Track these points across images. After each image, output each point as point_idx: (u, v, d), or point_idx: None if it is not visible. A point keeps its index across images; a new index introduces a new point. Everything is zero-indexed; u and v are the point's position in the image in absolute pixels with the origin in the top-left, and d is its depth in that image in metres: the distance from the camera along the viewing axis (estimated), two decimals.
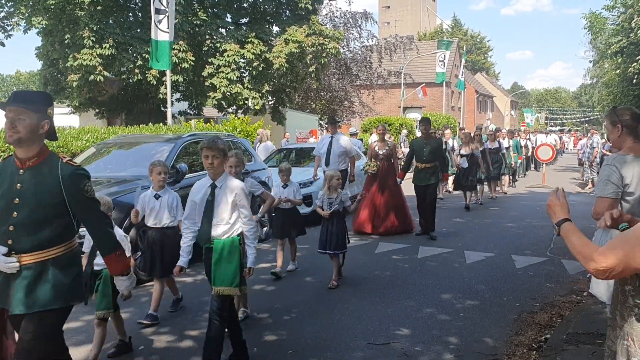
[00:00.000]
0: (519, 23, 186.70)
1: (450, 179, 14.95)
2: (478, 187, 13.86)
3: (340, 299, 6.14)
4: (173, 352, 4.71)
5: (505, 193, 16.47)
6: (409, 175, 10.68)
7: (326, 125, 29.43)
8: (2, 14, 20.37)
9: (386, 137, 10.76)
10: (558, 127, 67.83)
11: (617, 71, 25.34)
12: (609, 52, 24.29)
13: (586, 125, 75.82)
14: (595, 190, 3.72)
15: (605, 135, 21.19)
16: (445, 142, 14.98)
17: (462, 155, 13.22)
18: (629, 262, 1.97)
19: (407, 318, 5.52)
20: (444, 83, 39.30)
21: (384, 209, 9.89)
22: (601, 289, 3.42)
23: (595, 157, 17.58)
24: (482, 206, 13.69)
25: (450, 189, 15.86)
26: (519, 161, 19.79)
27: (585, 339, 4.73)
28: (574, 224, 2.26)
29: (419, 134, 15.48)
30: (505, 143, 16.89)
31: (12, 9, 20.05)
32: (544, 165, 20.14)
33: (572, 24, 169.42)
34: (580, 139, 33.91)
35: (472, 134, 14.34)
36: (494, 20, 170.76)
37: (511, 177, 18.67)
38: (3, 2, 19.83)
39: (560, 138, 39.99)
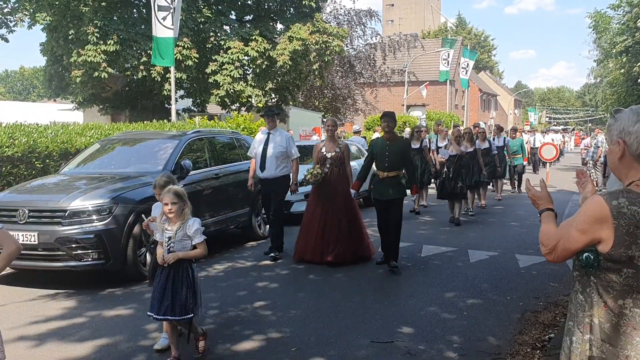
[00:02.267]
0: (523, 22, 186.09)
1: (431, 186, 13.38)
2: (469, 193, 11.90)
3: (344, 297, 6.15)
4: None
5: (499, 199, 14.69)
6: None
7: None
8: (6, 9, 20.38)
9: (338, 133, 8.90)
10: (561, 127, 67.76)
11: (622, 70, 25.31)
12: (614, 51, 24.26)
13: (589, 124, 75.63)
14: (607, 186, 3.73)
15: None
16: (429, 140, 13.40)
17: (450, 156, 11.28)
18: (565, 244, 2.14)
19: (410, 316, 5.52)
20: (448, 81, 39.20)
21: (333, 231, 7.62)
22: None
23: (600, 157, 17.53)
24: (484, 207, 13.34)
25: (425, 204, 13.24)
26: (524, 162, 17.66)
27: None
28: (552, 213, 2.38)
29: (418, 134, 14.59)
30: (498, 142, 14.80)
31: (16, 5, 20.07)
32: (548, 164, 20.10)
33: (575, 23, 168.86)
34: (584, 138, 33.83)
35: (461, 132, 12.28)
36: (497, 19, 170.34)
37: (515, 181, 16.96)
38: None
39: (563, 137, 39.84)
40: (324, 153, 7.80)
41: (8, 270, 7.28)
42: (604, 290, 2.11)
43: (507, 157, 15.44)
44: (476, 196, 12.82)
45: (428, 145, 12.86)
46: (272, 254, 7.95)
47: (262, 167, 8.09)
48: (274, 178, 8.06)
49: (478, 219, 11.55)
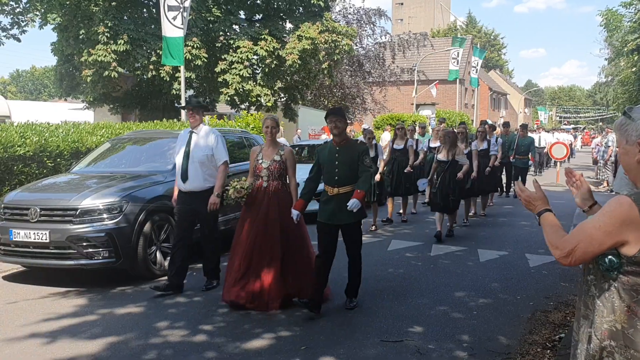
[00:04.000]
0: (533, 21, 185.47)
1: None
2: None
3: None
4: (187, 346, 4.74)
5: (491, 204, 12.93)
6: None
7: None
8: (18, 10, 20.52)
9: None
10: (572, 126, 67.34)
11: (634, 69, 25.13)
12: (625, 49, 24.09)
13: (600, 123, 75.16)
14: (615, 187, 3.71)
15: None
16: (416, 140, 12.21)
17: (439, 162, 9.34)
18: (586, 247, 2.06)
19: (420, 316, 5.51)
20: (457, 80, 39.10)
21: (261, 267, 5.71)
22: None
23: (610, 156, 17.43)
24: (491, 207, 12.93)
25: (414, 210, 12.06)
26: (531, 162, 16.36)
27: None
28: (552, 214, 2.32)
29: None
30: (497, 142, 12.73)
31: (27, 5, 20.20)
32: (559, 163, 20.00)
33: (586, 22, 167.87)
34: (594, 138, 33.61)
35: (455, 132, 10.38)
36: (507, 17, 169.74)
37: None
38: None
39: (575, 136, 39.56)
40: (260, 162, 5.95)
41: (20, 268, 7.36)
42: (626, 294, 2.04)
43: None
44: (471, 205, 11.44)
45: (414, 145, 11.48)
46: (207, 285, 6.42)
47: (184, 176, 6.27)
48: (201, 191, 6.25)
49: (488, 218, 11.50)
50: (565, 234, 2.21)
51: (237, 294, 5.64)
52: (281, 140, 14.57)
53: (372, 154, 9.34)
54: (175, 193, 6.47)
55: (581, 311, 2.28)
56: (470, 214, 11.28)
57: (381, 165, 10.16)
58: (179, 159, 6.39)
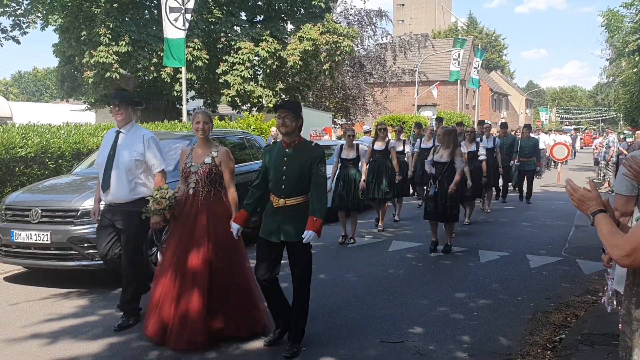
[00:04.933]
0: (534, 21, 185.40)
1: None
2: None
3: (354, 297, 6.16)
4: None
5: (488, 211, 12.45)
6: None
7: (338, 123, 28.78)
8: (19, 11, 20.56)
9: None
10: (573, 126, 67.29)
11: (635, 70, 25.13)
12: (626, 50, 24.09)
13: (602, 124, 75.11)
14: (614, 187, 3.70)
15: (621, 135, 21.01)
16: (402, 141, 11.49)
17: (437, 163, 8.38)
18: None
19: (420, 317, 5.51)
20: (459, 81, 39.10)
21: (187, 293, 4.70)
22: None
23: (612, 157, 17.42)
24: (495, 207, 13.10)
25: (397, 218, 11.24)
26: (538, 167, 15.05)
27: (601, 339, 4.70)
28: (607, 214, 2.24)
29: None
30: (487, 143, 12.14)
31: (29, 7, 20.23)
32: (560, 164, 19.99)
33: (587, 22, 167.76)
34: (595, 138, 33.58)
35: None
36: (508, 18, 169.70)
37: (523, 189, 14.13)
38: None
39: (575, 138, 39.44)
40: (188, 165, 4.99)
41: (21, 269, 7.37)
42: None
43: (499, 161, 12.53)
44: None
45: (403, 147, 11.24)
46: (121, 324, 5.19)
47: (105, 184, 5.24)
48: (125, 204, 5.23)
49: (489, 219, 11.49)
50: (623, 234, 2.14)
51: (155, 329, 4.68)
52: None
53: (352, 155, 9.07)
54: (96, 205, 5.50)
55: (632, 315, 2.24)
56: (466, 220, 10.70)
57: (363, 169, 9.20)
58: (100, 163, 5.36)
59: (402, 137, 11.89)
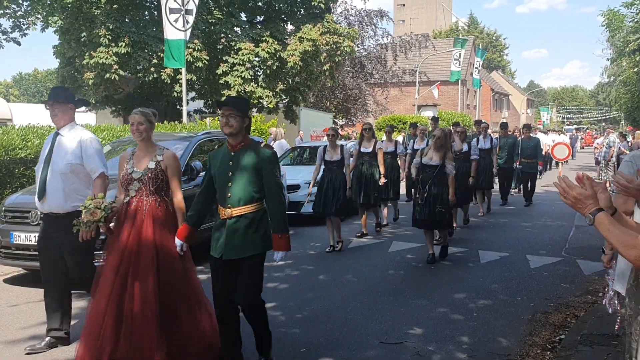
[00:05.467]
0: (534, 21, 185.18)
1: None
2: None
3: (354, 298, 6.15)
4: None
5: (481, 215, 11.85)
6: None
7: (339, 124, 28.72)
8: (19, 13, 20.59)
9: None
10: (574, 126, 67.24)
11: (635, 69, 25.11)
12: (627, 50, 24.08)
13: (603, 124, 75.09)
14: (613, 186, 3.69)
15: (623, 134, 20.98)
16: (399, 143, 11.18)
17: (426, 166, 7.76)
18: None
19: (420, 317, 5.51)
20: (459, 81, 39.10)
21: (129, 314, 4.05)
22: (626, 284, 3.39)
23: (612, 156, 17.41)
24: (496, 207, 12.97)
25: (385, 222, 10.58)
26: (540, 167, 15.02)
27: (600, 340, 4.69)
28: (607, 213, 2.13)
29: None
30: (484, 144, 11.63)
31: (29, 8, 20.26)
32: (560, 164, 19.96)
33: (588, 22, 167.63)
34: (596, 138, 33.53)
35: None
36: (508, 18, 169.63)
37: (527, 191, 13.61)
38: (20, 1, 20.04)
39: (575, 138, 39.36)
40: (129, 171, 4.34)
41: (21, 271, 7.37)
42: None
43: (494, 162, 12.07)
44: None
45: (395, 148, 10.84)
46: (48, 344, 4.73)
47: (41, 192, 4.71)
48: (64, 214, 4.66)
49: (489, 220, 11.47)
50: (636, 233, 2.05)
51: (96, 355, 4.00)
52: (282, 142, 14.61)
53: (336, 157, 8.40)
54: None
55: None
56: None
57: (347, 174, 8.53)
58: (37, 169, 4.83)
59: (392, 137, 11.44)
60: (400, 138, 15.13)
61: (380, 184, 9.31)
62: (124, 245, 4.17)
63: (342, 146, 8.57)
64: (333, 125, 11.52)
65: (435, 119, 13.41)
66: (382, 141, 10.35)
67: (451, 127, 11.35)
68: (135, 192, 4.28)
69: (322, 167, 8.58)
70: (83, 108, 22.65)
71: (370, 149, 9.34)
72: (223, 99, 4.43)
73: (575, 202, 2.16)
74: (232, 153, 4.09)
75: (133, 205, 4.27)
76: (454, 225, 9.76)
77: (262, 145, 4.08)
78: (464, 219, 10.57)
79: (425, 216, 7.62)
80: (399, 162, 11.27)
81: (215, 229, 4.16)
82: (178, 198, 4.38)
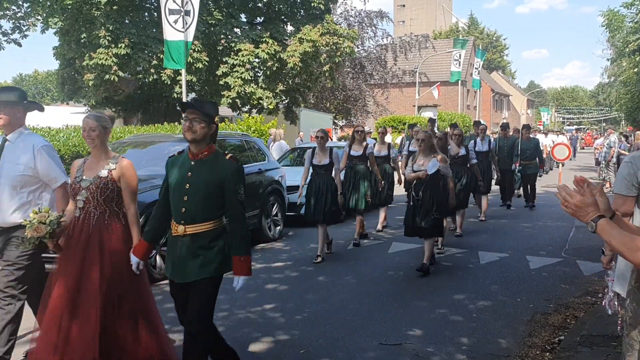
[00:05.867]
0: (534, 21, 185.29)
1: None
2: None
3: (353, 299, 6.15)
4: None
5: (483, 220, 11.29)
6: None
7: (338, 125, 28.64)
8: (19, 14, 20.61)
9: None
10: (574, 127, 67.23)
11: (635, 70, 25.10)
12: (627, 50, 24.06)
13: (603, 124, 75.08)
14: (613, 187, 3.69)
15: (623, 135, 20.98)
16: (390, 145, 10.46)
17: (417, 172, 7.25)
18: None
19: (419, 319, 5.50)
20: (459, 82, 39.10)
21: (75, 331, 3.76)
22: (626, 285, 3.39)
23: (612, 157, 17.38)
24: (498, 207, 12.89)
25: (379, 227, 10.23)
26: (540, 170, 14.70)
27: (600, 341, 4.69)
28: (608, 218, 2.14)
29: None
30: (482, 146, 11.25)
31: (29, 10, 20.28)
32: (561, 165, 19.95)
33: (588, 22, 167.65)
34: (596, 138, 33.51)
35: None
36: (508, 18, 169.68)
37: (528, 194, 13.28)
38: (20, 2, 20.06)
39: (575, 138, 39.33)
40: (78, 179, 3.97)
41: None
42: None
43: (493, 164, 11.70)
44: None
45: (388, 151, 10.27)
46: None
47: None
48: (13, 228, 4.22)
49: (489, 221, 11.46)
50: (636, 237, 2.06)
51: None
52: (281, 143, 14.61)
53: (325, 161, 7.92)
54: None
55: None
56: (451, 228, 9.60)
57: (337, 179, 8.03)
58: None
59: (386, 140, 10.84)
60: (399, 139, 14.88)
61: (379, 188, 9.14)
62: (70, 263, 3.83)
63: (331, 149, 8.06)
64: (370, 129, 11.00)
65: (432, 120, 12.96)
66: (374, 144, 10.05)
67: (448, 129, 10.80)
68: (83, 202, 3.90)
69: (311, 170, 8.13)
70: (84, 108, 22.73)
71: (360, 152, 8.91)
72: (191, 100, 3.92)
73: (576, 211, 2.16)
74: (192, 162, 3.63)
75: (81, 218, 3.89)
76: (458, 230, 9.70)
77: (228, 156, 3.67)
78: (459, 228, 9.83)
79: (417, 222, 7.17)
80: (392, 166, 10.84)
81: (168, 246, 3.74)
82: (132, 211, 3.97)
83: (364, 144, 9.00)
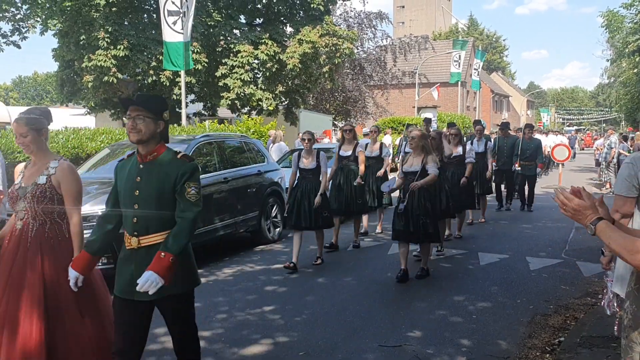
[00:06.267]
0: (534, 22, 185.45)
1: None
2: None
3: (352, 301, 6.13)
4: None
5: (483, 221, 11.09)
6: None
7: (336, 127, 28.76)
8: (18, 16, 20.62)
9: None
10: (574, 127, 67.24)
11: (635, 70, 25.11)
12: (627, 51, 24.06)
13: (603, 125, 75.11)
14: (614, 188, 3.68)
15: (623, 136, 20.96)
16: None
17: (406, 173, 7.02)
18: None
19: (419, 320, 5.49)
20: (459, 83, 39.12)
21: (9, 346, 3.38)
22: (625, 286, 3.38)
23: (613, 157, 17.36)
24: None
25: (379, 230, 10.00)
26: (539, 170, 14.21)
27: (600, 342, 4.67)
28: (607, 221, 2.14)
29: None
30: (478, 147, 10.80)
31: (28, 12, 20.29)
32: (560, 165, 19.94)
33: (588, 23, 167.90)
34: (596, 139, 33.51)
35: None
36: (508, 19, 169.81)
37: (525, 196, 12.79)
38: (19, 4, 20.08)
39: (574, 139, 39.30)
40: (17, 187, 3.66)
41: None
42: None
43: (489, 165, 11.08)
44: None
45: (380, 151, 9.75)
46: None
47: None
48: None
49: (489, 222, 11.44)
50: (635, 239, 2.06)
51: None
52: (281, 144, 14.59)
53: (311, 164, 7.54)
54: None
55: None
56: (446, 233, 9.19)
57: (324, 182, 7.58)
58: None
59: (379, 139, 10.39)
60: (399, 140, 14.68)
61: (355, 184, 8.62)
62: (7, 279, 3.45)
63: (318, 152, 7.68)
64: (370, 130, 10.50)
65: (428, 120, 12.46)
66: (366, 144, 9.78)
67: (445, 129, 10.58)
68: (24, 212, 3.53)
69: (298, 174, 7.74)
70: (83, 110, 22.73)
71: (350, 152, 8.65)
72: (135, 96, 3.47)
73: (575, 214, 2.16)
74: (141, 166, 3.25)
75: (19, 229, 3.53)
76: (452, 234, 9.42)
77: (180, 155, 3.28)
78: (458, 230, 9.60)
79: (404, 227, 6.78)
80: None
81: (121, 262, 3.30)
82: (74, 221, 3.57)
83: (354, 143, 8.75)
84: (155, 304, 3.29)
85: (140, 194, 3.21)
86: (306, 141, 7.56)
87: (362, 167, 8.61)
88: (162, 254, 3.09)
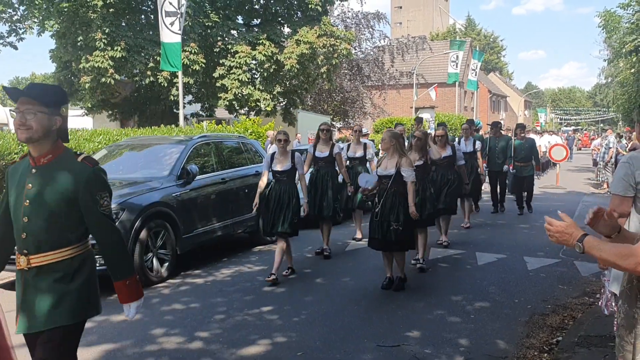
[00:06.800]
0: (531, 22, 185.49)
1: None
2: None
3: (350, 301, 6.13)
4: (183, 354, 4.72)
5: (468, 227, 10.55)
6: None
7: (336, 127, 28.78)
8: (15, 17, 20.61)
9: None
10: (572, 128, 67.32)
11: (632, 70, 25.13)
12: (624, 50, 24.08)
13: (601, 125, 75.21)
14: (610, 187, 3.69)
15: (624, 135, 21.01)
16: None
17: (380, 177, 6.55)
18: None
19: (417, 320, 5.49)
20: (457, 83, 39.12)
21: None
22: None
23: (611, 157, 17.39)
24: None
25: (359, 236, 9.27)
26: (537, 172, 13.89)
27: (597, 341, 4.68)
28: (592, 236, 2.18)
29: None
30: (466, 147, 10.37)
31: (25, 13, 20.27)
32: (558, 166, 19.97)
33: (585, 23, 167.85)
34: (593, 139, 33.55)
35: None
36: (505, 19, 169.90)
37: (522, 198, 12.22)
38: (16, 5, 20.05)
39: (572, 139, 39.38)
40: None
41: None
42: None
43: (480, 167, 10.92)
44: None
45: (364, 152, 9.18)
46: None
47: None
48: None
49: (487, 222, 11.45)
50: (629, 244, 2.10)
51: None
52: None
53: (285, 166, 7.07)
54: None
55: (637, 319, 2.23)
56: (443, 239, 8.94)
57: (302, 185, 7.29)
58: None
59: (362, 139, 9.63)
60: None
61: (349, 193, 8.40)
62: None
63: (293, 152, 7.23)
64: (368, 130, 9.69)
65: (419, 119, 11.88)
66: (348, 144, 9.39)
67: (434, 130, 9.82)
68: None
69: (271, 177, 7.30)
70: (81, 111, 22.70)
71: (326, 154, 8.13)
72: (26, 87, 2.74)
73: (560, 237, 2.21)
74: (33, 170, 2.72)
75: None
76: (443, 238, 8.90)
77: (81, 158, 2.78)
78: (444, 235, 9.01)
79: (377, 233, 6.40)
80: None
81: (19, 285, 2.81)
82: None
83: (330, 143, 8.26)
84: (39, 336, 2.73)
85: (30, 205, 2.69)
86: (282, 142, 7.03)
87: (344, 172, 8.25)
88: (126, 282, 2.91)
